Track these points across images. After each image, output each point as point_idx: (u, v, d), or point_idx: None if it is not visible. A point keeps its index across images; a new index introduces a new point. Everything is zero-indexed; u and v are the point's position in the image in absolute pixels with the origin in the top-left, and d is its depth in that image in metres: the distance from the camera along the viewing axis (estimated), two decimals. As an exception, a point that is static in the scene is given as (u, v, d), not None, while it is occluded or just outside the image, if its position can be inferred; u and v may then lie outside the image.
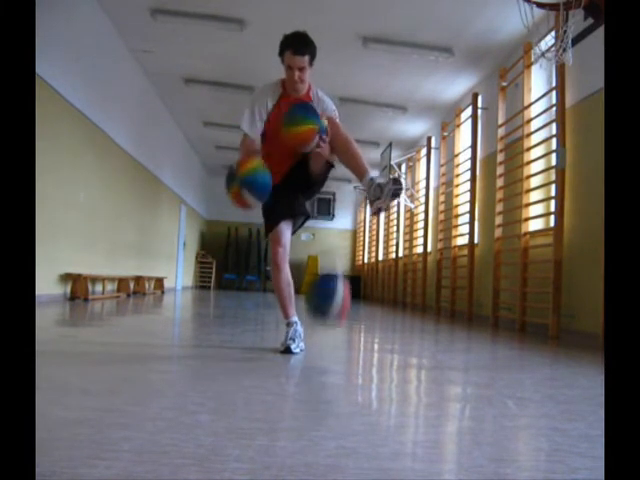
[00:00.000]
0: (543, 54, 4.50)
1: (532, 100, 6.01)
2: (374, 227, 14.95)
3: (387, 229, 13.38)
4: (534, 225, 5.92)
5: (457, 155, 8.40)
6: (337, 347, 4.11)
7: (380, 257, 14.13)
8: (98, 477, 1.08)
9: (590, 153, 4.83)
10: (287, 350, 2.90)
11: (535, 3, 4.10)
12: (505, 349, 4.35)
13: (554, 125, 5.44)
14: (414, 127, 10.53)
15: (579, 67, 4.83)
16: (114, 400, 1.75)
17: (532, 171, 5.93)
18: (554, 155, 5.41)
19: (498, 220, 6.57)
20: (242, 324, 5.14)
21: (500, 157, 6.69)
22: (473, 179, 7.42)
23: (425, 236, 9.78)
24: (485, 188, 7.26)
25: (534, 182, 5.92)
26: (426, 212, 9.83)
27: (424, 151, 10.39)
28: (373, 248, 14.93)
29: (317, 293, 2.79)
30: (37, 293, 5.09)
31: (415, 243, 10.76)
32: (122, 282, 8.16)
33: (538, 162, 5.86)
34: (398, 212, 12.00)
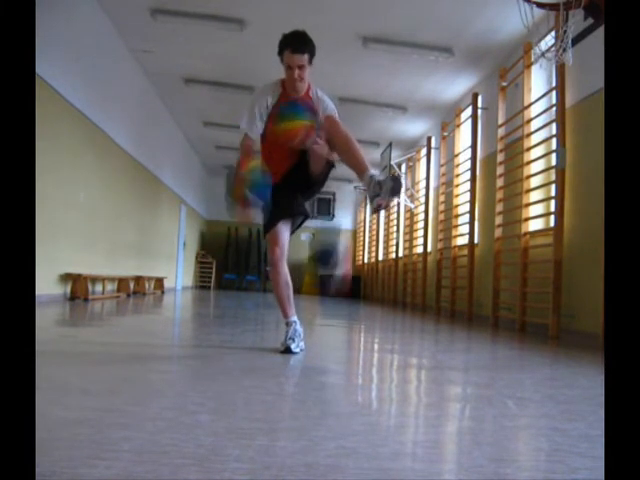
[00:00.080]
0: (543, 54, 4.50)
1: (532, 100, 6.02)
2: (374, 227, 14.95)
3: (387, 229, 13.38)
4: (534, 225, 5.92)
5: (457, 155, 8.40)
6: (337, 347, 4.11)
7: (380, 257, 14.13)
8: (98, 477, 1.08)
9: (590, 153, 4.83)
10: (287, 350, 2.90)
11: (535, 3, 4.10)
12: (505, 349, 4.35)
13: (554, 125, 5.44)
14: (414, 127, 10.53)
15: (579, 67, 4.83)
16: (114, 400, 1.75)
17: (532, 171, 5.93)
18: (554, 155, 5.41)
19: (498, 220, 6.57)
20: (242, 324, 5.14)
21: (500, 157, 6.69)
22: (473, 179, 7.42)
23: (425, 236, 9.78)
24: (485, 188, 7.26)
25: (534, 182, 5.92)
26: (426, 212, 9.83)
27: (424, 151, 10.39)
28: (373, 248, 14.93)
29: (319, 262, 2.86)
30: (37, 293, 5.09)
31: (415, 243, 10.76)
32: (122, 282, 8.16)
33: (538, 162, 5.86)
34: (398, 212, 12.00)
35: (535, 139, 5.95)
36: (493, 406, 1.99)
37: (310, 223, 3.32)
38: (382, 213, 12.69)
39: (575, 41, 4.32)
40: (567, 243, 5.13)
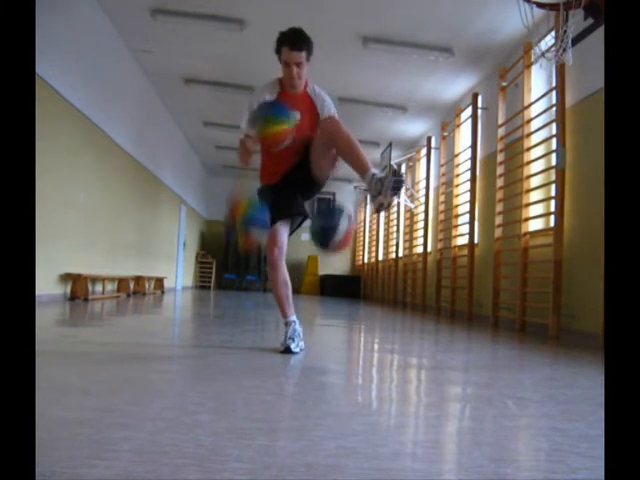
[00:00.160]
0: (543, 54, 4.50)
1: (532, 100, 6.02)
2: (374, 227, 14.95)
3: (387, 229, 13.38)
4: (534, 225, 5.92)
5: (457, 155, 8.41)
6: (337, 347, 4.11)
7: (380, 257, 14.13)
8: (98, 477, 1.08)
9: (590, 153, 4.83)
10: (287, 350, 2.90)
11: (535, 3, 4.10)
12: (505, 349, 4.35)
13: (554, 125, 5.44)
14: (414, 127, 10.54)
15: (579, 67, 4.83)
16: (114, 400, 1.75)
17: (532, 171, 5.93)
18: (554, 155, 5.41)
19: (498, 220, 6.57)
20: (242, 324, 5.14)
21: (500, 157, 6.69)
22: (473, 179, 7.42)
23: (425, 236, 9.78)
24: (485, 188, 7.26)
25: (534, 182, 5.92)
26: (426, 212, 9.83)
27: (424, 151, 10.40)
28: (373, 248, 14.93)
29: (321, 222, 2.85)
30: (37, 293, 5.09)
31: (415, 243, 10.76)
32: (122, 282, 8.16)
33: (538, 162, 5.86)
34: (398, 212, 12.00)
35: (535, 139, 5.95)
36: (493, 406, 1.99)
37: (309, 223, 3.31)
38: (382, 213, 12.67)
39: (575, 41, 4.32)
40: (567, 243, 5.13)
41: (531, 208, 5.94)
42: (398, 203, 11.38)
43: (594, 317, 4.45)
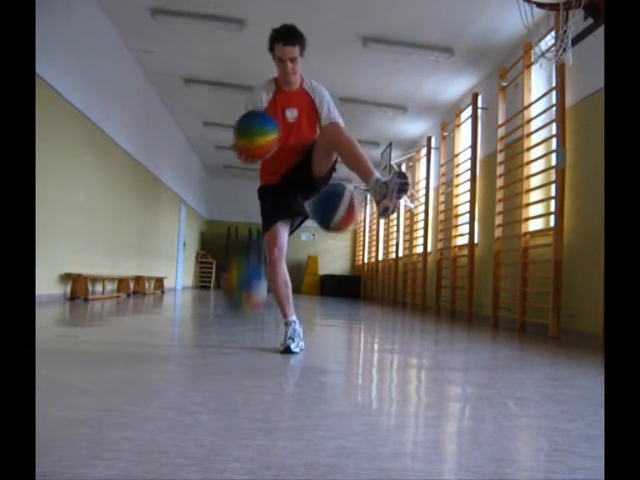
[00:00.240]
0: (543, 54, 4.50)
1: (532, 100, 6.01)
2: (374, 227, 14.95)
3: (387, 229, 13.38)
4: (534, 225, 5.92)
5: (457, 155, 8.40)
6: (337, 347, 4.11)
7: (380, 257, 14.13)
8: (98, 477, 1.08)
9: (590, 153, 4.83)
10: (287, 350, 2.90)
11: (535, 3, 4.10)
12: (505, 349, 4.35)
13: (554, 125, 5.44)
14: (414, 127, 10.53)
15: (579, 67, 4.83)
16: (114, 400, 1.75)
17: (532, 171, 5.93)
18: (554, 155, 5.41)
19: (498, 220, 6.57)
20: (242, 324, 5.14)
21: (500, 157, 6.69)
22: (473, 179, 7.42)
23: (425, 236, 9.78)
24: (485, 188, 7.26)
25: (534, 182, 5.92)
26: (426, 212, 9.83)
27: (424, 151, 10.39)
28: (373, 248, 14.93)
29: (323, 196, 2.83)
30: (37, 293, 5.09)
31: (415, 243, 10.76)
32: (122, 282, 8.16)
33: (538, 162, 5.86)
34: (398, 212, 11.99)
35: (535, 139, 5.95)
36: (493, 406, 1.99)
37: (310, 223, 3.31)
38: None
39: (575, 41, 4.32)
40: (567, 243, 5.13)
41: (531, 208, 5.94)
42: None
43: (594, 317, 4.45)
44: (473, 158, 7.46)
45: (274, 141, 2.69)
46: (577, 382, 2.71)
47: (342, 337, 4.89)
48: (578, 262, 4.98)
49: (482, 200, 7.30)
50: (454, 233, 8.27)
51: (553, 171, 5.43)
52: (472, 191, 7.42)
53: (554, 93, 5.51)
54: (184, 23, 6.72)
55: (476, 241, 7.43)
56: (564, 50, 4.11)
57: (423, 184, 10.30)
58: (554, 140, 5.45)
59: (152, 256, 10.43)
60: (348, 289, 15.98)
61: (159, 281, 10.55)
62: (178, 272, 13.22)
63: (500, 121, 6.74)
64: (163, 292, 10.56)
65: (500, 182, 6.64)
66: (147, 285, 9.56)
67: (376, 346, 4.09)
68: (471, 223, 7.42)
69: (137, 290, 8.88)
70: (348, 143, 2.78)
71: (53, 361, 2.37)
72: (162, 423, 1.50)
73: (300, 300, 10.62)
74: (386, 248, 13.40)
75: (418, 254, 10.39)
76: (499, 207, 6.59)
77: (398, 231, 12.04)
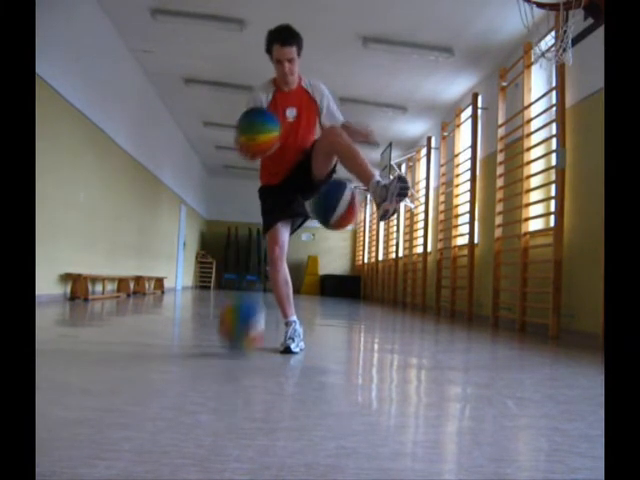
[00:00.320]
0: (543, 54, 4.49)
1: (532, 100, 6.02)
2: (374, 227, 14.95)
3: (387, 229, 13.38)
4: (534, 225, 5.92)
5: (457, 155, 8.41)
6: (337, 347, 4.11)
7: (380, 257, 14.13)
8: (98, 477, 1.08)
9: (590, 153, 4.83)
10: (287, 350, 2.90)
11: (535, 3, 4.10)
12: (505, 349, 4.35)
13: (554, 125, 5.44)
14: (414, 127, 10.53)
15: (579, 67, 4.83)
16: (114, 400, 1.75)
17: (532, 171, 5.93)
18: (554, 155, 5.41)
19: (498, 220, 6.57)
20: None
21: (500, 157, 6.69)
22: (473, 179, 7.42)
23: (425, 236, 9.78)
24: (485, 188, 7.26)
25: (534, 182, 5.92)
26: (426, 212, 9.83)
27: (424, 151, 10.39)
28: (373, 248, 14.93)
29: (324, 192, 2.82)
30: (37, 293, 5.09)
31: (415, 243, 10.76)
32: (122, 282, 8.16)
33: (538, 162, 5.86)
34: (398, 212, 11.98)
35: (535, 139, 5.95)
36: (493, 406, 1.99)
37: (310, 223, 3.31)
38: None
39: (575, 41, 4.32)
40: (567, 243, 5.13)
41: (531, 208, 5.94)
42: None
43: (594, 317, 4.45)
44: (473, 158, 7.46)
45: (275, 138, 2.69)
46: (577, 382, 2.71)
47: (342, 337, 4.89)
48: (578, 262, 4.98)
49: (482, 200, 7.30)
50: (454, 233, 8.27)
51: (553, 171, 5.43)
52: (472, 191, 7.42)
53: (554, 93, 5.51)
54: (184, 23, 6.72)
55: (476, 241, 7.43)
56: (564, 50, 4.11)
57: (423, 184, 10.30)
58: (554, 140, 5.45)
59: (152, 256, 10.43)
60: (348, 289, 15.98)
61: (159, 281, 10.55)
62: (178, 272, 13.22)
63: (500, 121, 6.74)
64: (163, 292, 10.56)
65: (500, 182, 6.64)
66: (147, 285, 9.56)
67: (376, 346, 4.09)
68: (471, 223, 7.42)
69: (137, 290, 8.88)
70: (347, 147, 2.78)
71: (53, 361, 2.37)
72: (162, 423, 1.50)
73: (300, 300, 10.62)
74: (386, 248, 13.40)
75: (418, 254, 10.39)
76: (499, 207, 6.60)
77: (398, 231, 12.04)
